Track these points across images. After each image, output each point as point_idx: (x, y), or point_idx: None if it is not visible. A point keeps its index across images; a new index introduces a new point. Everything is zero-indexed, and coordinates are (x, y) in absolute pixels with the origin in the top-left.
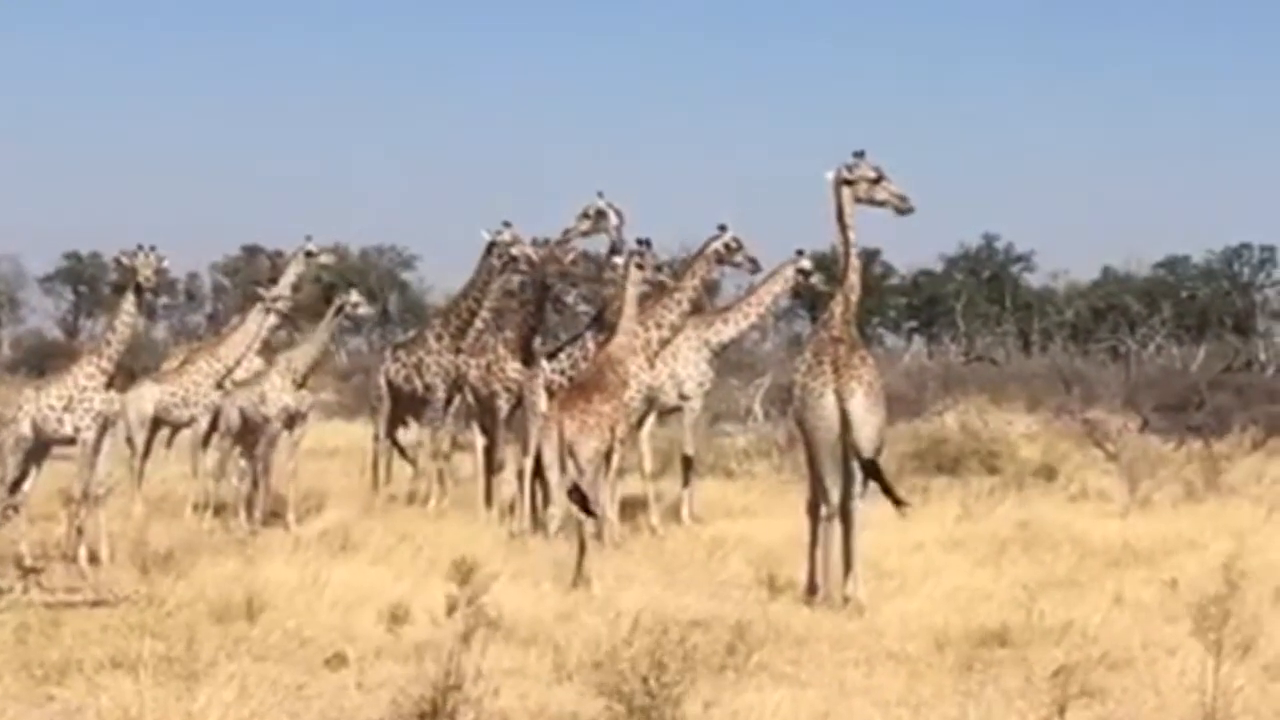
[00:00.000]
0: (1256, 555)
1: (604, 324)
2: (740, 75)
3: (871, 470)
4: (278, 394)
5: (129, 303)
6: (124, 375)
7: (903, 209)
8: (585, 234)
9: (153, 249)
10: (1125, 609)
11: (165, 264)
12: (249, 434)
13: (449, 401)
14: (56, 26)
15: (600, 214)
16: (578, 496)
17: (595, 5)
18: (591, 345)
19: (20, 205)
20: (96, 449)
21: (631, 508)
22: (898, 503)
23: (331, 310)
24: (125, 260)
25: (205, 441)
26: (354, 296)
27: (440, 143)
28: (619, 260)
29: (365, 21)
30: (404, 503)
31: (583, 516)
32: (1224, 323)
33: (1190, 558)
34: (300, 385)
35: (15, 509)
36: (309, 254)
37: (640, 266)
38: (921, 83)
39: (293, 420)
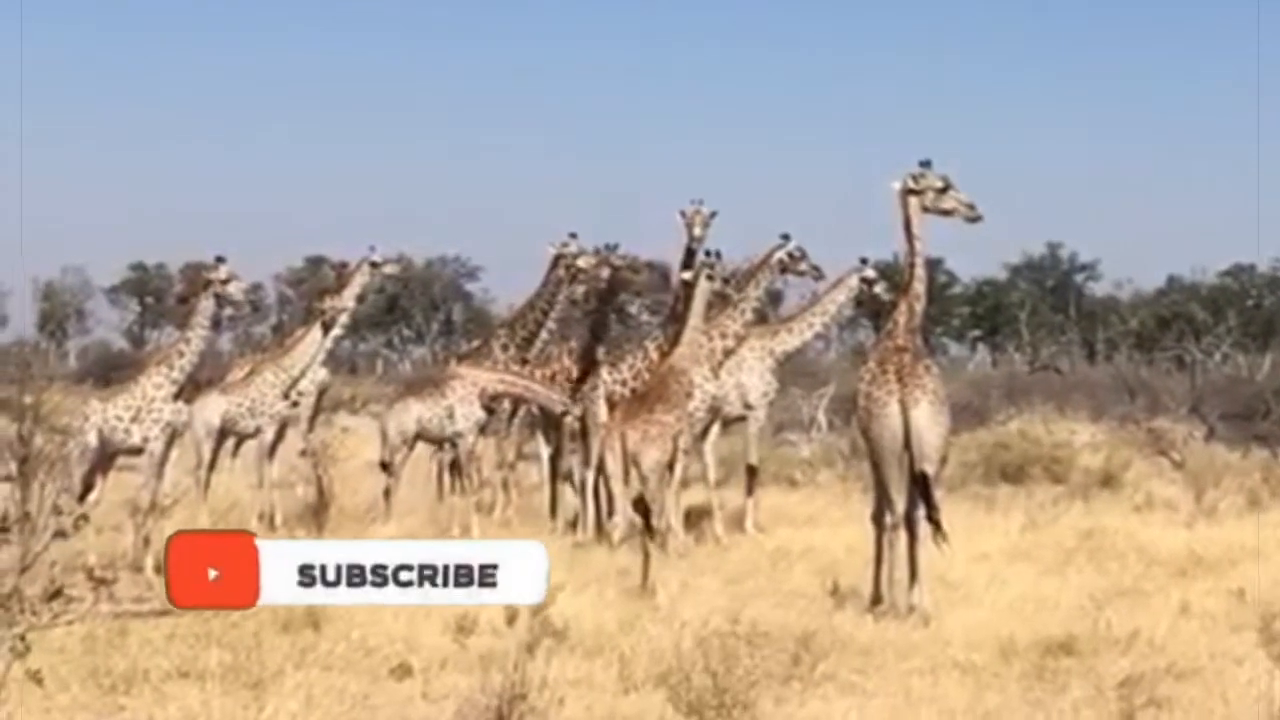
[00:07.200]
0: None
1: (668, 333)
2: (799, 86)
3: (923, 485)
4: (469, 409)
5: (205, 315)
6: (190, 386)
7: (971, 217)
8: (702, 241)
9: (223, 260)
10: (1192, 619)
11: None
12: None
13: (514, 411)
14: (122, 38)
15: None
16: (643, 509)
17: (660, 22)
18: (654, 355)
19: (87, 216)
20: (163, 460)
21: (696, 517)
22: (937, 527)
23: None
24: (209, 274)
25: (271, 452)
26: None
27: (504, 154)
28: (687, 274)
29: (429, 32)
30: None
31: (645, 530)
32: None
33: (1256, 567)
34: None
35: (85, 519)
36: (374, 264)
37: (710, 278)
38: (985, 91)
39: (482, 432)
